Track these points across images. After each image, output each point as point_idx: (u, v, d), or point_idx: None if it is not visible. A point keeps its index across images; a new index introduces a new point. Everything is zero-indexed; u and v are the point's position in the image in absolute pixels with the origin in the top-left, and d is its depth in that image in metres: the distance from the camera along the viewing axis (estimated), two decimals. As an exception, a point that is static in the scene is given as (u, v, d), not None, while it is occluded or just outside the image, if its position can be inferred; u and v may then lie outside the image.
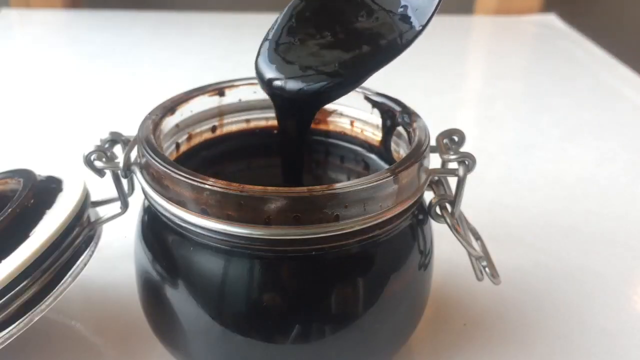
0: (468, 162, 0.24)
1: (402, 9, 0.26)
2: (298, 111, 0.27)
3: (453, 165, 0.25)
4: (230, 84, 0.30)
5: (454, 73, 0.70)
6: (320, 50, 0.26)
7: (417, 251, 0.25)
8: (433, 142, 0.26)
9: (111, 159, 0.25)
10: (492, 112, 0.60)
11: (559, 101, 0.62)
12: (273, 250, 0.22)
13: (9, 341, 0.23)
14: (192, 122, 0.29)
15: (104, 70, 0.66)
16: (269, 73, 0.26)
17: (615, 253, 0.38)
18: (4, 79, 0.63)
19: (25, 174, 0.28)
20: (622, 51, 0.72)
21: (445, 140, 0.26)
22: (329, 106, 0.30)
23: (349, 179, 0.31)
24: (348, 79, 0.26)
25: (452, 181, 0.25)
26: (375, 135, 0.30)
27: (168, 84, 0.60)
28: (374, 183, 0.22)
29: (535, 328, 0.32)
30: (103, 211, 0.27)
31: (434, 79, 0.66)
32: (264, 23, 0.28)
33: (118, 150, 0.26)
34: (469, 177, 0.24)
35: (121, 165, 0.25)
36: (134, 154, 0.25)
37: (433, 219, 0.26)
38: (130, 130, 0.26)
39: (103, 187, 0.27)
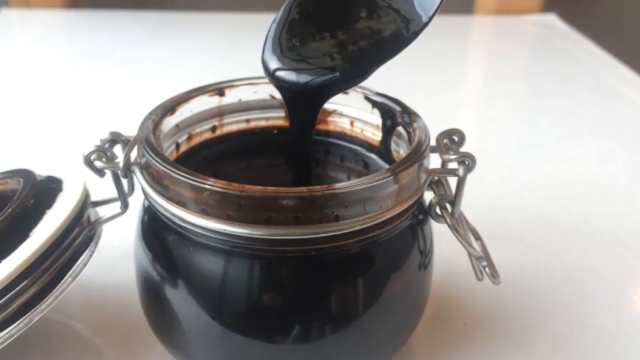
0: (468, 162, 0.24)
1: (408, 1, 0.26)
2: (305, 103, 0.27)
3: (453, 165, 0.25)
4: (230, 84, 0.30)
5: (454, 73, 0.70)
6: (327, 42, 0.26)
7: (417, 251, 0.25)
8: (433, 142, 0.26)
9: (111, 159, 0.25)
10: (492, 112, 0.60)
11: (559, 101, 0.62)
12: (273, 250, 0.22)
13: (9, 341, 0.23)
14: (192, 122, 0.29)
15: (104, 70, 0.66)
16: (275, 65, 0.26)
17: (615, 253, 0.38)
18: (4, 79, 0.63)
19: (25, 174, 0.28)
20: (622, 51, 0.72)
21: (445, 140, 0.26)
22: (329, 106, 0.30)
23: (349, 179, 0.31)
24: (355, 71, 0.25)
25: (452, 181, 0.25)
26: (375, 135, 0.30)
27: (168, 84, 0.60)
28: (374, 183, 0.22)
29: (535, 328, 0.32)
30: (103, 211, 0.27)
31: (434, 79, 0.66)
32: (264, 23, 0.28)
33: (118, 150, 0.26)
34: (469, 177, 0.24)
35: (121, 165, 0.25)
36: (134, 154, 0.25)
37: (433, 219, 0.26)
38: (130, 130, 0.26)
39: (103, 187, 0.27)
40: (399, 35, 0.25)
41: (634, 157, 0.51)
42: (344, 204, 0.22)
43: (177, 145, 0.29)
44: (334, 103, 0.30)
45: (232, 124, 0.31)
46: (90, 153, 0.25)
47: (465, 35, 0.84)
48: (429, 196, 0.26)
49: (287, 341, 0.24)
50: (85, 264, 0.26)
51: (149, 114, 0.26)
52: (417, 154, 0.24)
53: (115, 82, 0.63)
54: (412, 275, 0.26)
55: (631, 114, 0.59)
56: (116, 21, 0.79)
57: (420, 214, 0.26)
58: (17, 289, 0.23)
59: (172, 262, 0.24)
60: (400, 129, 0.28)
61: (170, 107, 0.27)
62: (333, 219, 0.22)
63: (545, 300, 0.34)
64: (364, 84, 0.26)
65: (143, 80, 0.63)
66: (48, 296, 0.24)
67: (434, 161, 0.25)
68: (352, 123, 0.31)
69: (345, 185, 0.22)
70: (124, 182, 0.26)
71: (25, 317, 0.23)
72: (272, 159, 0.32)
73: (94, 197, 0.28)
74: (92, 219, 0.27)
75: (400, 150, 0.28)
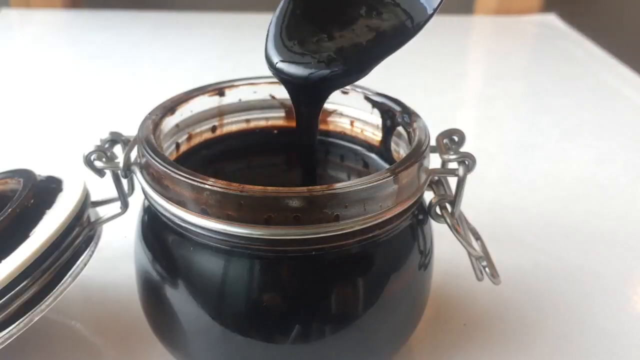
0: (468, 162, 0.24)
1: None
2: (309, 96, 0.26)
3: (453, 165, 0.25)
4: (230, 84, 0.30)
5: (454, 73, 0.70)
6: (329, 35, 0.26)
7: (417, 251, 0.25)
8: (433, 142, 0.26)
9: (111, 159, 0.25)
10: (492, 112, 0.60)
11: (559, 101, 0.62)
12: (273, 250, 0.22)
13: (9, 341, 0.23)
14: (192, 122, 0.29)
15: (104, 70, 0.66)
16: (278, 59, 0.26)
17: (615, 253, 0.38)
18: (4, 79, 0.63)
19: (25, 174, 0.28)
20: (622, 51, 0.72)
21: (445, 140, 0.26)
22: (329, 106, 0.30)
23: (349, 179, 0.31)
24: (358, 64, 0.25)
25: (452, 181, 0.25)
26: (375, 135, 0.30)
27: (168, 84, 0.60)
28: (374, 183, 0.22)
29: (535, 328, 0.32)
30: (103, 211, 0.27)
31: (434, 79, 0.66)
32: (264, 23, 0.28)
33: (118, 150, 0.26)
34: (469, 177, 0.24)
35: (121, 165, 0.25)
36: (134, 154, 0.25)
37: (433, 219, 0.26)
38: (130, 130, 0.26)
39: (103, 187, 0.27)
40: (402, 28, 0.25)
41: (634, 157, 0.51)
42: (344, 204, 0.22)
43: (177, 145, 0.29)
44: (334, 103, 0.30)
45: (232, 124, 0.31)
46: (90, 153, 0.25)
47: (465, 35, 0.84)
48: (429, 196, 0.26)
49: (287, 341, 0.24)
50: (85, 264, 0.26)
51: (149, 114, 0.26)
52: (417, 154, 0.24)
53: (115, 82, 0.63)
54: (412, 275, 0.26)
55: (631, 114, 0.59)
56: (116, 21, 0.79)
57: (420, 214, 0.26)
58: (17, 289, 0.23)
59: (172, 262, 0.24)
60: (400, 129, 0.28)
61: (170, 107, 0.27)
62: (333, 219, 0.22)
63: (545, 300, 0.34)
64: (364, 83, 0.26)
65: (143, 80, 0.63)
66: (48, 296, 0.24)
67: (434, 161, 0.25)
68: (352, 123, 0.31)
69: (345, 185, 0.22)
70: (124, 182, 0.26)
71: (25, 317, 0.23)
72: (272, 159, 0.32)
73: (94, 197, 0.28)
74: (92, 219, 0.27)
75: (400, 150, 0.28)
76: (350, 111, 0.30)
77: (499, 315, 0.32)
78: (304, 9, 0.26)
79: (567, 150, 0.52)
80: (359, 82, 0.26)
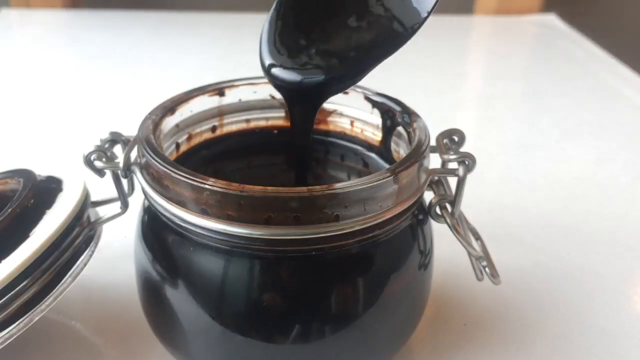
0: (468, 162, 0.24)
1: (403, 0, 0.25)
2: (303, 102, 0.27)
3: (453, 165, 0.25)
4: (230, 84, 0.30)
5: (454, 73, 0.70)
6: (321, 41, 0.26)
7: (417, 251, 0.25)
8: (433, 142, 0.26)
9: (111, 159, 0.25)
10: (492, 112, 0.60)
11: (559, 101, 0.62)
12: (273, 250, 0.22)
13: (9, 341, 0.23)
14: (192, 122, 0.29)
15: (104, 70, 0.66)
16: (272, 65, 0.26)
17: (615, 253, 0.38)
18: (4, 79, 0.63)
19: (25, 174, 0.28)
20: (622, 51, 0.72)
21: (445, 140, 0.26)
22: (329, 106, 0.30)
23: (349, 179, 0.31)
24: (352, 70, 0.25)
25: (452, 181, 0.25)
26: (375, 135, 0.30)
27: (168, 84, 0.60)
28: (374, 183, 0.22)
29: (535, 328, 0.32)
30: (103, 211, 0.27)
31: (434, 79, 0.66)
32: (264, 23, 0.28)
33: (118, 150, 0.26)
34: (469, 177, 0.24)
35: (121, 165, 0.25)
36: (134, 154, 0.25)
37: (433, 219, 0.26)
38: (130, 130, 0.26)
39: (103, 187, 0.27)
40: (395, 33, 0.25)
41: (634, 157, 0.51)
42: (344, 204, 0.22)
43: (177, 145, 0.29)
44: (334, 103, 0.30)
45: (232, 124, 0.31)
46: (90, 153, 0.25)
47: (465, 35, 0.84)
48: (429, 196, 0.26)
49: (287, 341, 0.24)
50: (85, 264, 0.26)
51: (149, 114, 0.26)
52: (417, 154, 0.24)
53: (115, 82, 0.63)
54: (412, 275, 0.26)
55: (631, 114, 0.59)
56: (116, 21, 0.79)
57: (420, 214, 0.26)
58: (17, 289, 0.23)
59: (172, 262, 0.24)
60: (400, 129, 0.28)
61: (170, 107, 0.27)
62: (333, 219, 0.22)
63: (545, 300, 0.34)
64: (364, 83, 0.26)
65: (143, 80, 0.63)
66: (48, 296, 0.24)
67: (434, 161, 0.25)
68: (352, 123, 0.31)
69: (345, 185, 0.22)
70: (124, 182, 0.26)
71: (25, 317, 0.23)
72: (272, 158, 0.32)
73: (94, 197, 0.28)
74: (92, 219, 0.27)
75: (400, 150, 0.28)
76: (350, 111, 0.30)
77: (499, 315, 0.32)
78: (295, 15, 0.26)
79: (567, 150, 0.52)
80: (359, 82, 0.26)
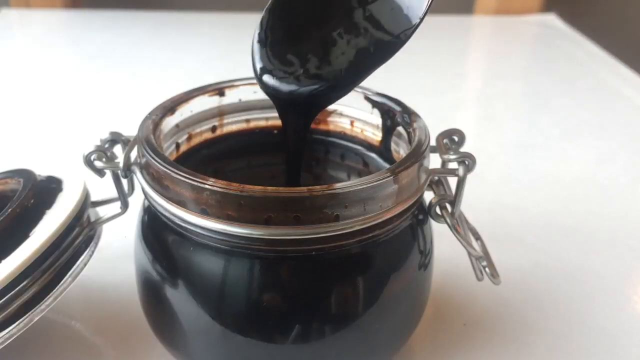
0: (468, 162, 0.24)
1: (393, 9, 0.25)
2: (296, 112, 0.27)
3: (453, 165, 0.25)
4: (230, 84, 0.30)
5: (454, 73, 0.70)
6: (313, 50, 0.26)
7: (417, 251, 0.25)
8: (433, 142, 0.26)
9: (111, 159, 0.25)
10: (492, 112, 0.60)
11: (559, 101, 0.62)
12: (273, 250, 0.22)
13: (9, 341, 0.23)
14: (192, 122, 0.29)
15: (104, 70, 0.66)
16: (263, 74, 0.26)
17: (615, 253, 0.38)
18: (4, 79, 0.63)
19: (25, 174, 0.28)
20: (622, 51, 0.72)
21: (445, 140, 0.26)
22: (329, 106, 0.30)
23: (349, 179, 0.31)
24: (342, 82, 0.26)
25: (452, 181, 0.25)
26: (375, 135, 0.30)
27: (168, 84, 0.61)
28: (374, 183, 0.22)
29: (535, 328, 0.32)
30: (103, 211, 0.27)
31: (434, 79, 0.66)
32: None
33: (118, 150, 0.26)
34: (469, 177, 0.24)
35: (121, 165, 0.25)
36: (134, 154, 0.25)
37: (433, 219, 0.26)
38: (130, 130, 0.26)
39: (103, 187, 0.27)
40: (387, 42, 0.25)
41: (634, 157, 0.51)
42: (344, 204, 0.22)
43: (177, 145, 0.29)
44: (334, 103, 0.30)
45: (232, 124, 0.31)
46: (90, 153, 0.25)
47: (465, 35, 0.84)
48: (429, 196, 0.26)
49: (287, 341, 0.24)
50: (85, 264, 0.26)
51: (149, 114, 0.26)
52: (417, 154, 0.24)
53: (115, 82, 0.63)
54: (412, 275, 0.26)
55: (631, 114, 0.59)
56: (116, 21, 0.79)
57: (420, 214, 0.26)
58: (17, 289, 0.23)
59: (172, 262, 0.24)
60: (400, 129, 0.28)
61: (170, 107, 0.27)
62: (333, 219, 0.22)
63: (545, 300, 0.34)
64: (364, 83, 0.26)
65: (143, 80, 0.63)
66: (48, 296, 0.24)
67: (434, 161, 0.25)
68: (352, 123, 0.31)
69: (345, 185, 0.22)
70: (124, 182, 0.26)
71: (25, 317, 0.23)
72: (272, 158, 0.32)
73: (94, 197, 0.28)
74: (92, 219, 0.27)
75: (400, 150, 0.28)
76: (350, 111, 0.30)
77: (499, 315, 0.32)
78: (286, 27, 0.26)
79: (567, 150, 0.52)
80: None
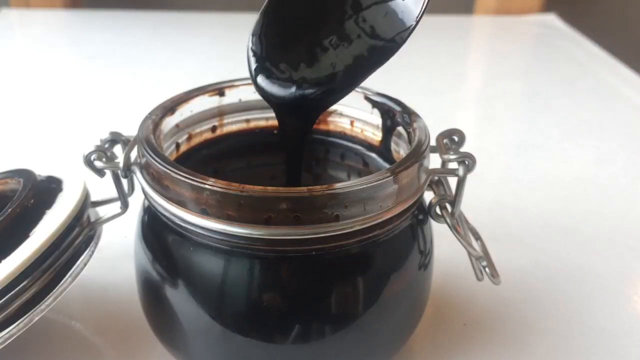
0: (468, 162, 0.24)
1: (388, 13, 0.25)
2: (293, 116, 0.27)
3: (453, 165, 0.25)
4: (230, 84, 0.30)
5: (454, 73, 0.70)
6: (309, 54, 0.26)
7: (417, 251, 0.25)
8: (433, 142, 0.26)
9: (111, 159, 0.25)
10: (492, 112, 0.60)
11: (559, 101, 0.62)
12: (273, 250, 0.22)
13: (9, 341, 0.23)
14: (192, 122, 0.29)
15: (104, 70, 0.66)
16: (260, 79, 0.26)
17: (615, 253, 0.38)
18: (4, 79, 0.63)
19: (25, 174, 0.28)
20: (622, 51, 0.72)
21: (445, 140, 0.26)
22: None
23: (349, 179, 0.31)
24: (339, 85, 0.26)
25: (452, 181, 0.25)
26: (375, 135, 0.30)
27: (168, 84, 0.61)
28: (374, 183, 0.22)
29: (535, 328, 0.32)
30: (103, 211, 0.27)
31: (434, 79, 0.66)
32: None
33: (118, 150, 0.26)
34: (469, 177, 0.24)
35: (121, 165, 0.25)
36: (134, 154, 0.25)
37: (433, 219, 0.26)
38: (130, 130, 0.26)
39: (103, 187, 0.27)
40: (381, 47, 0.25)
41: (634, 157, 0.51)
42: (344, 204, 0.22)
43: (177, 145, 0.29)
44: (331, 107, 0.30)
45: (232, 124, 0.31)
46: (90, 153, 0.25)
47: (465, 35, 0.84)
48: (429, 196, 0.26)
49: (287, 341, 0.24)
50: (85, 264, 0.26)
51: (149, 114, 0.26)
52: (417, 154, 0.24)
53: (115, 82, 0.63)
54: (412, 275, 0.26)
55: (631, 114, 0.59)
56: (116, 21, 0.79)
57: (420, 214, 0.26)
58: (17, 289, 0.23)
59: (172, 262, 0.24)
60: (400, 129, 0.28)
61: (170, 107, 0.27)
62: (333, 219, 0.22)
63: (545, 300, 0.34)
64: (364, 84, 0.26)
65: (143, 80, 0.63)
66: (48, 296, 0.24)
67: (434, 161, 0.25)
68: (352, 123, 0.31)
69: (345, 185, 0.22)
70: (124, 182, 0.26)
71: (25, 317, 0.23)
72: (272, 158, 0.32)
73: (94, 197, 0.28)
74: (92, 219, 0.27)
75: (400, 150, 0.28)
76: (350, 111, 0.30)
77: (499, 315, 0.32)
78: (280, 31, 0.26)
79: (567, 150, 0.52)
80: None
